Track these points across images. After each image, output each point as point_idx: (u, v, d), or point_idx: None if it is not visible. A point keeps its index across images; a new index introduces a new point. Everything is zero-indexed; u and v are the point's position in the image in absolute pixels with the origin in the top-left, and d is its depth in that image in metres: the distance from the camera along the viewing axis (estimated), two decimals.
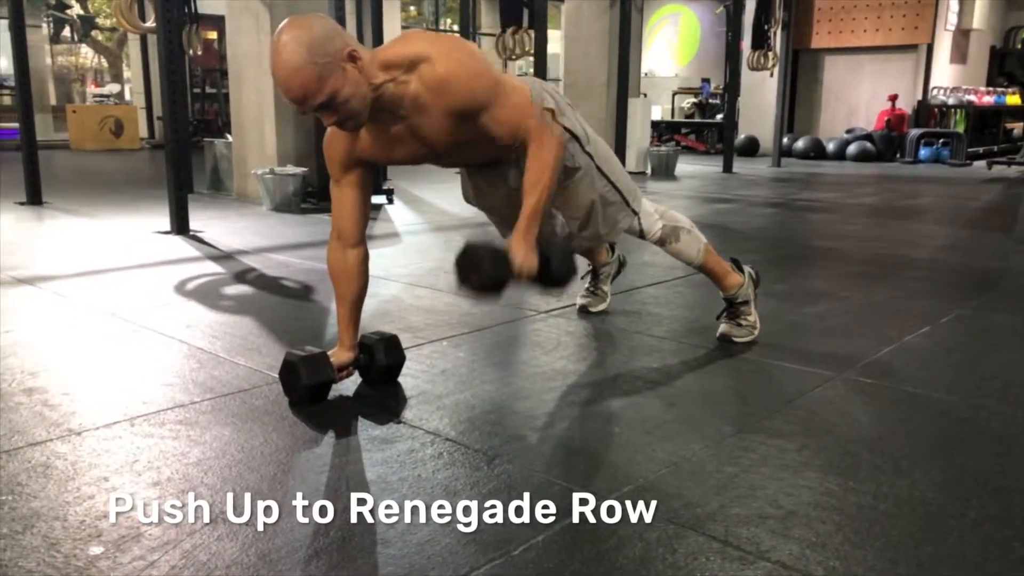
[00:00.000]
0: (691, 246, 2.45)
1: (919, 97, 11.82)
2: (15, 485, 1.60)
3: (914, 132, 11.27)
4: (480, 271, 1.84)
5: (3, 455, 1.74)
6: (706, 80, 14.16)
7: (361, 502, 1.55)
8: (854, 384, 2.25)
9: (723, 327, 2.59)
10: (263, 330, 2.74)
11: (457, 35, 2.01)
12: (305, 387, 2.02)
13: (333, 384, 2.09)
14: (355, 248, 2.10)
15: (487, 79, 1.85)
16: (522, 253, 1.87)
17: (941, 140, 11.09)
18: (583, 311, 2.92)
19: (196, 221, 4.96)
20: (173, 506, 1.52)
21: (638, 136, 9.05)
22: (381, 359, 2.17)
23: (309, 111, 1.80)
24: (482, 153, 2.04)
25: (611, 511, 1.52)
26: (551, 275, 1.93)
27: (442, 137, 1.90)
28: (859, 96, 12.33)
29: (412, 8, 22.50)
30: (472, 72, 1.82)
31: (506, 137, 1.91)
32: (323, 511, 1.51)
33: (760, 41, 9.84)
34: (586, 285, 2.96)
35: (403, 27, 19.21)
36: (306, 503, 1.55)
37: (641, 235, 2.38)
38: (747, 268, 2.58)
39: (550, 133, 1.92)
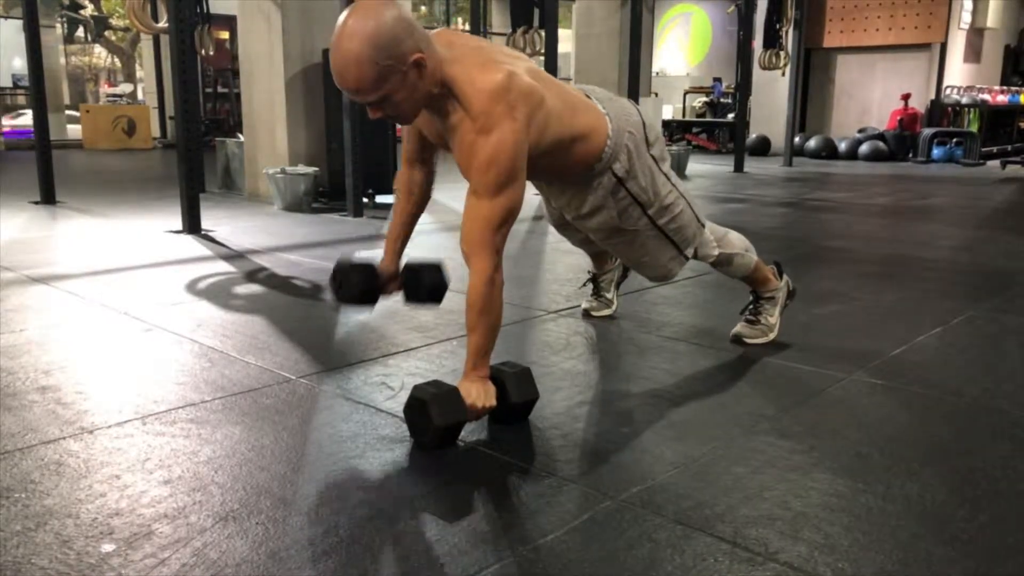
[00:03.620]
0: (740, 268, 2.48)
1: (932, 96, 11.74)
2: (28, 482, 1.62)
3: (927, 131, 11.20)
4: (431, 420, 1.74)
5: (17, 452, 1.75)
6: (717, 79, 14.12)
7: (370, 501, 1.56)
8: (865, 385, 2.24)
9: (737, 327, 2.59)
10: (274, 329, 2.75)
11: (528, 89, 1.90)
12: (359, 292, 2.03)
13: (380, 297, 2.10)
14: (419, 168, 2.13)
15: (497, 174, 1.74)
16: (474, 391, 1.81)
17: (954, 140, 11.02)
18: (587, 315, 2.91)
19: (208, 220, 4.99)
20: (184, 504, 1.53)
21: None
22: (426, 280, 2.15)
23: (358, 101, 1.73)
24: None
25: (620, 511, 1.52)
26: (511, 405, 1.89)
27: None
28: (871, 95, 12.26)
29: (423, 8, 22.52)
30: (493, 160, 1.72)
31: (461, 235, 1.82)
32: (333, 510, 1.52)
33: (772, 40, 9.81)
34: (589, 292, 2.96)
35: None
36: (316, 502, 1.56)
37: (695, 258, 2.39)
38: (786, 277, 2.63)
39: (485, 274, 1.77)
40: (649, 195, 2.15)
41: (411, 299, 2.19)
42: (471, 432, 1.87)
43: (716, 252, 2.40)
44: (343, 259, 2.10)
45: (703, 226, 2.35)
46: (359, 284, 2.04)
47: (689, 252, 2.32)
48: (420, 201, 2.17)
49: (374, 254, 2.26)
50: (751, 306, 2.60)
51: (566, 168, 2.05)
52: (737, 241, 2.46)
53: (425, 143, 2.08)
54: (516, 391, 1.90)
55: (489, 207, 1.77)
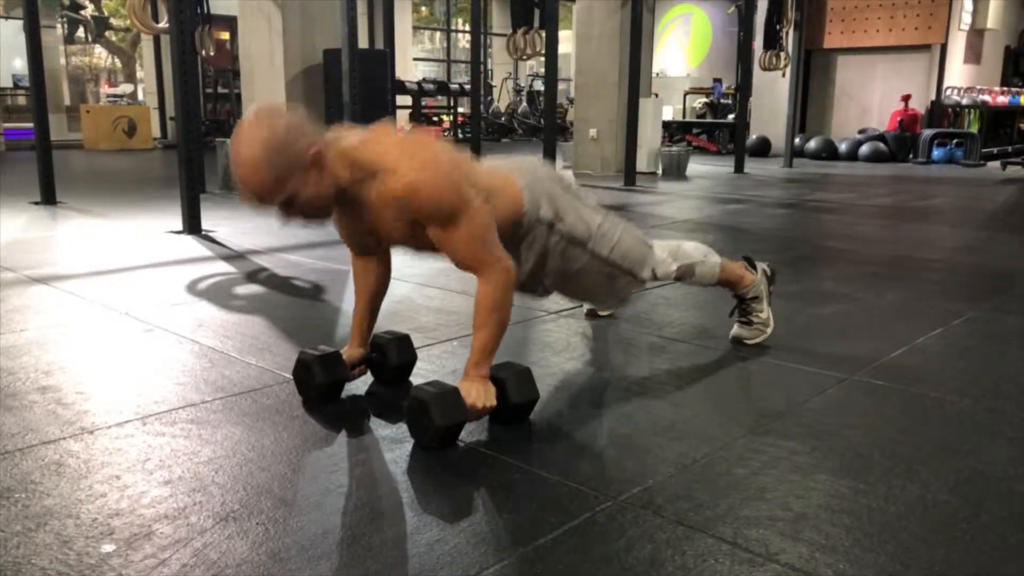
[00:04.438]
0: (706, 276, 2.45)
1: (932, 97, 11.75)
2: (28, 483, 1.61)
3: (927, 132, 11.21)
4: (432, 420, 1.74)
5: (17, 453, 1.75)
6: (718, 80, 14.13)
7: (370, 501, 1.56)
8: (866, 386, 2.24)
9: (734, 330, 2.60)
10: (274, 330, 2.75)
11: (430, 138, 1.89)
12: (318, 385, 2.02)
13: (346, 382, 2.09)
14: (370, 257, 2.13)
15: (449, 201, 1.77)
16: (474, 391, 1.82)
17: (955, 140, 11.02)
18: (591, 315, 2.91)
19: (208, 221, 4.99)
20: (184, 504, 1.53)
21: (649, 136, 9.03)
22: (393, 358, 2.18)
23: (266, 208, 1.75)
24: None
25: (620, 512, 1.52)
26: (511, 405, 1.89)
27: (402, 237, 1.88)
28: (872, 96, 12.27)
29: (424, 8, 22.53)
30: (434, 192, 1.75)
31: (456, 263, 1.86)
32: (333, 510, 1.52)
33: (772, 41, 9.81)
34: None
35: (414, 27, 19.26)
36: (316, 502, 1.55)
37: (655, 279, 2.37)
38: (761, 265, 2.57)
39: (497, 272, 1.83)
40: (583, 229, 2.12)
41: (380, 379, 2.23)
42: (471, 432, 1.87)
43: (675, 267, 2.36)
44: (306, 352, 2.05)
45: (650, 246, 2.31)
46: (322, 378, 2.01)
47: (645, 274, 2.28)
48: (379, 288, 2.16)
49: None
50: (738, 309, 2.59)
51: (500, 233, 1.98)
52: (693, 251, 2.43)
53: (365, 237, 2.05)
54: (516, 391, 1.90)
55: (460, 233, 1.79)
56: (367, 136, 1.84)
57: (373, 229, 1.90)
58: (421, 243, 1.89)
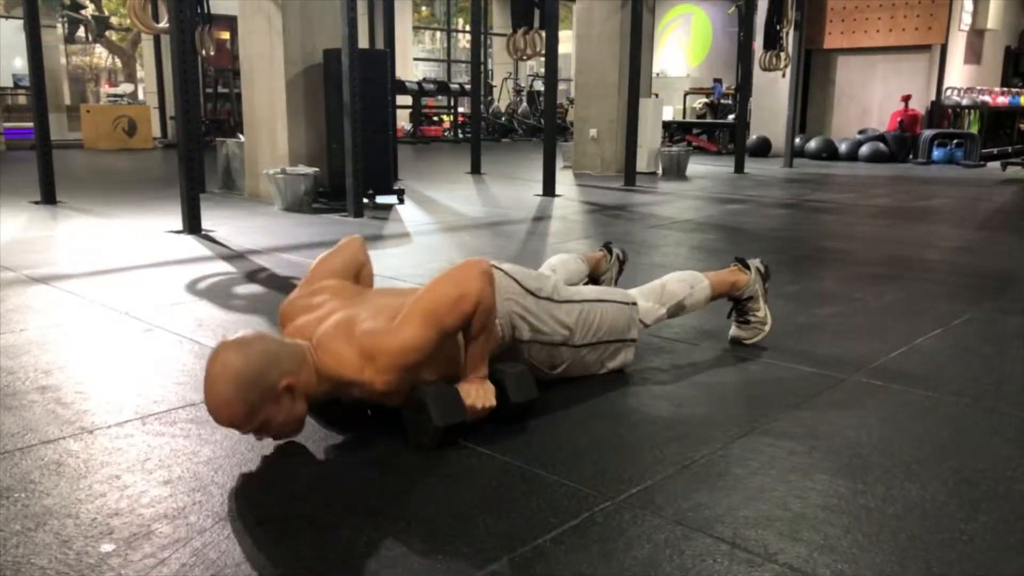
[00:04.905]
0: (697, 304, 2.48)
1: (932, 98, 11.75)
2: (28, 482, 1.62)
3: (927, 133, 11.21)
4: (431, 420, 1.74)
5: (17, 452, 1.75)
6: (718, 80, 14.13)
7: (370, 501, 1.56)
8: (865, 386, 2.24)
9: (732, 330, 2.61)
10: (274, 329, 2.75)
11: (373, 323, 1.78)
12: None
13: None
14: None
15: (420, 349, 1.75)
16: (474, 392, 1.83)
17: (955, 141, 11.02)
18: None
19: (208, 220, 4.99)
20: (184, 504, 1.53)
21: (649, 136, 9.04)
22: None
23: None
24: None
25: (619, 512, 1.52)
26: (510, 405, 1.89)
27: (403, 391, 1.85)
28: (872, 97, 12.27)
29: (424, 8, 22.53)
30: (405, 362, 1.74)
31: (468, 328, 1.83)
32: (333, 510, 1.52)
33: (772, 41, 9.81)
34: None
35: (414, 27, 19.26)
36: (316, 502, 1.56)
37: (647, 328, 2.39)
38: (754, 263, 2.58)
39: (474, 293, 1.80)
40: (562, 333, 2.12)
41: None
42: (471, 432, 1.87)
43: (663, 311, 2.40)
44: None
45: (634, 304, 2.31)
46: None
47: (634, 334, 2.29)
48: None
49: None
50: (735, 310, 2.59)
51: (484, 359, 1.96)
52: (678, 288, 2.44)
53: None
54: (516, 391, 1.90)
55: (423, 322, 1.76)
56: (330, 349, 1.77)
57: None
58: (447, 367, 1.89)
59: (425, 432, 1.77)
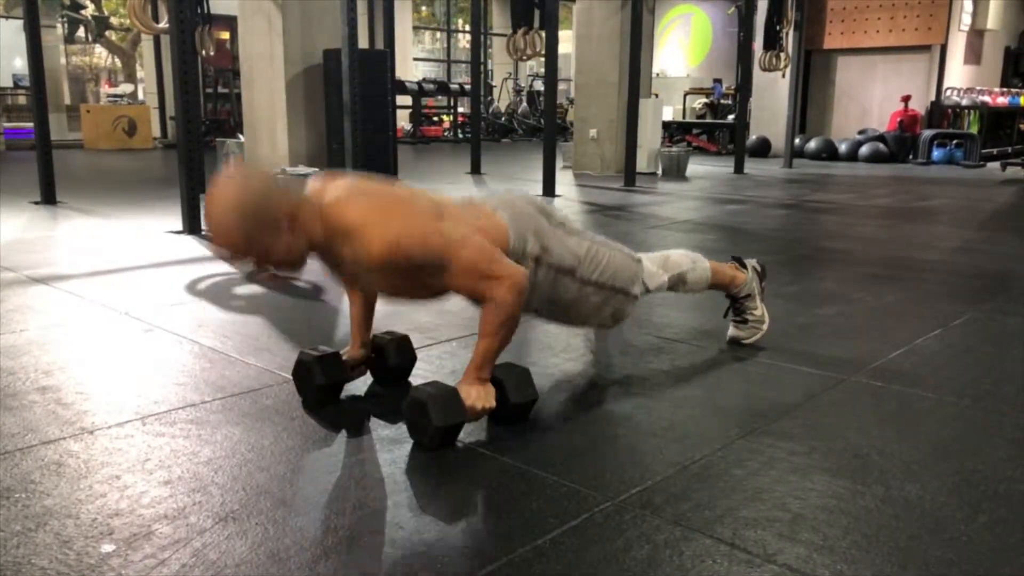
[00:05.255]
0: (698, 282, 2.47)
1: (932, 98, 11.75)
2: (28, 483, 1.62)
3: (927, 133, 11.21)
4: (431, 420, 1.75)
5: (17, 453, 1.75)
6: (718, 80, 14.12)
7: (370, 501, 1.56)
8: (864, 387, 2.24)
9: (730, 331, 2.61)
10: (274, 330, 2.75)
11: (405, 191, 1.87)
12: (318, 387, 2.02)
13: (346, 383, 2.10)
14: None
15: (435, 243, 1.78)
16: (474, 392, 1.84)
17: (954, 141, 11.02)
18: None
19: None
20: (184, 504, 1.53)
21: (649, 136, 9.04)
22: (392, 359, 2.18)
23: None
24: (434, 293, 1.97)
25: (619, 512, 1.52)
26: (510, 405, 1.90)
27: (387, 289, 1.91)
28: (872, 97, 12.27)
29: (424, 8, 22.53)
30: (417, 240, 1.76)
31: (471, 297, 1.87)
32: (332, 510, 1.52)
33: (772, 41, 9.81)
34: None
35: (414, 27, 19.26)
36: (316, 502, 1.56)
37: (647, 292, 2.38)
38: (750, 262, 2.59)
39: (507, 288, 1.82)
40: (571, 259, 2.12)
41: (379, 380, 2.24)
42: (471, 432, 1.87)
43: (665, 278, 2.39)
44: (305, 353, 2.05)
45: (639, 260, 2.32)
46: (322, 379, 2.02)
47: (636, 290, 2.28)
48: (372, 298, 2.19)
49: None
50: (732, 309, 2.60)
51: (455, 275, 1.96)
52: (682, 259, 2.44)
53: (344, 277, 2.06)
54: (515, 392, 1.91)
55: (461, 264, 1.80)
56: (342, 193, 1.81)
57: (352, 279, 1.94)
58: (401, 293, 1.93)
59: (424, 432, 1.77)
